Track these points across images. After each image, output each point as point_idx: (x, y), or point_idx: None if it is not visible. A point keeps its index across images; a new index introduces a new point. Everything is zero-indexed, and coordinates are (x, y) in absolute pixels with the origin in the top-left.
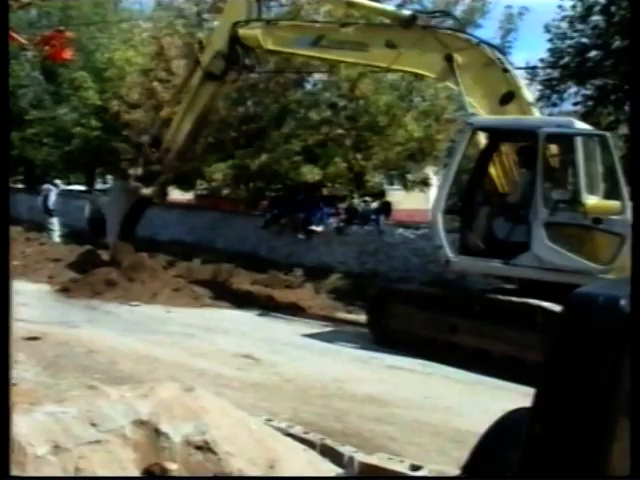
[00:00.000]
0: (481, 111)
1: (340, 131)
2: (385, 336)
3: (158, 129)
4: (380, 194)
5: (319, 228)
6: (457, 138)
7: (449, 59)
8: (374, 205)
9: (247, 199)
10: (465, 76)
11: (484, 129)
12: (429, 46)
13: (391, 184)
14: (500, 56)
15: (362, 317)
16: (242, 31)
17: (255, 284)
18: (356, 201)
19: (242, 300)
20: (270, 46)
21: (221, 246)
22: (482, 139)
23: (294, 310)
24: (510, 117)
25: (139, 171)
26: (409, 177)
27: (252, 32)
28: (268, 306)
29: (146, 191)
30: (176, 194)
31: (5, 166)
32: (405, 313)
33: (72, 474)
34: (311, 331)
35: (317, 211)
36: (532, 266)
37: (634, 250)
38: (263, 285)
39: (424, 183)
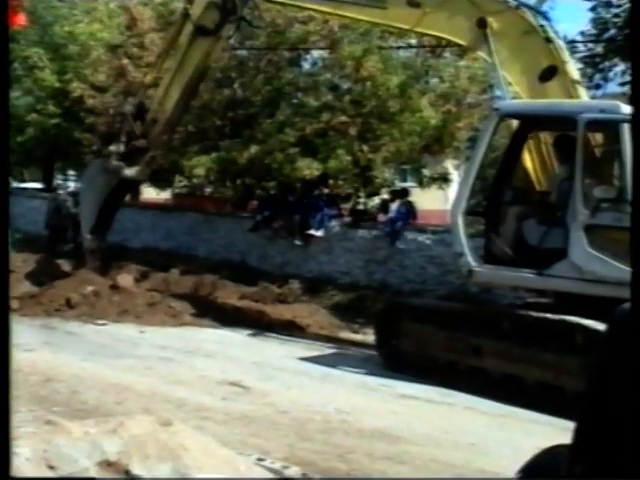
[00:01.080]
0: (517, 89)
1: (343, 118)
2: (397, 360)
3: (142, 97)
4: (403, 193)
5: (319, 233)
6: (482, 126)
7: (482, 24)
8: (394, 207)
9: (234, 198)
10: (500, 45)
11: (513, 115)
12: (459, 7)
13: (404, 180)
14: (543, 23)
15: (369, 337)
16: None
17: (244, 299)
18: (362, 200)
19: (228, 318)
20: None
21: (203, 254)
22: (513, 127)
23: (290, 329)
24: (544, 101)
25: (121, 147)
26: (425, 172)
27: None
28: (259, 324)
29: (129, 171)
30: (150, 193)
31: (5, 166)
32: (420, 332)
33: None
34: (310, 354)
35: (316, 213)
36: (570, 277)
37: (634, 250)
38: (253, 300)
39: (443, 179)
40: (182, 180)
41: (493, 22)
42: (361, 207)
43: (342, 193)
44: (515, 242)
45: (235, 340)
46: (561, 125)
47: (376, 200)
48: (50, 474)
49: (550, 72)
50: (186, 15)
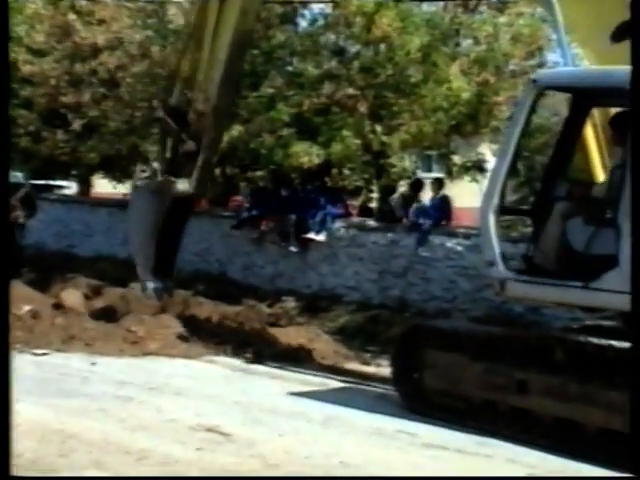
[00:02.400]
0: (583, 51)
1: (350, 91)
2: (419, 398)
3: (178, 93)
4: (438, 183)
5: (319, 237)
6: (517, 102)
7: None
8: (428, 201)
9: (212, 193)
10: None
11: (556, 87)
12: None
13: (428, 170)
14: None
15: (385, 370)
16: None
17: (224, 320)
18: (375, 196)
19: (205, 344)
20: None
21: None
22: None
23: (283, 359)
24: (597, 68)
25: (167, 155)
26: (455, 159)
27: None
28: (244, 353)
29: (182, 185)
30: (104, 186)
31: (5, 166)
32: (449, 364)
33: None
34: (308, 391)
35: (317, 211)
36: (622, 291)
37: (634, 251)
38: (236, 322)
39: (477, 168)
40: (145, 170)
41: None
42: (373, 204)
43: (349, 186)
44: (558, 247)
45: (213, 374)
46: (618, 99)
47: (395, 195)
48: None
49: (625, 29)
50: None
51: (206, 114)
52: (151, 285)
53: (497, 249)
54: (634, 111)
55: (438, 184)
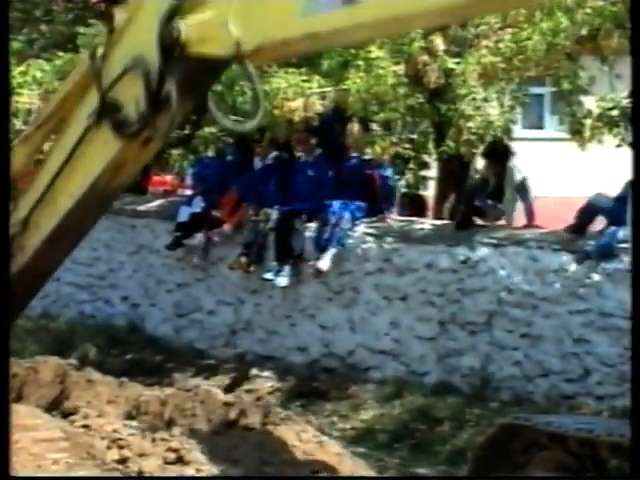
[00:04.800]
0: None
1: None
2: None
3: None
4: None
5: (325, 264)
6: None
7: None
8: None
9: None
10: None
11: None
12: None
13: (536, 125)
14: None
15: None
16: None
17: (137, 415)
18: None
19: (96, 464)
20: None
21: (40, 306)
22: None
23: None
24: None
25: None
26: (586, 103)
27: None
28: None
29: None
30: None
31: (5, 165)
32: None
33: None
34: None
35: (320, 205)
36: None
37: (634, 251)
38: (160, 419)
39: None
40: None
41: None
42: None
43: (383, 154)
44: None
45: None
46: None
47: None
48: None
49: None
50: (95, 66)
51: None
52: None
53: None
54: (634, 111)
55: (499, 152)
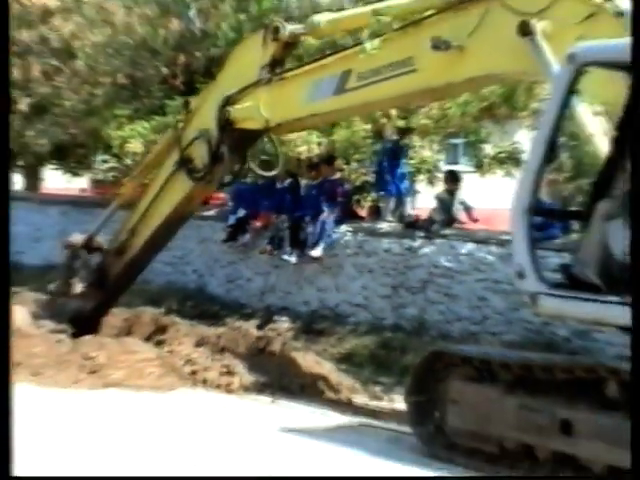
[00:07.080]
0: None
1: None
2: (441, 441)
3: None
4: (451, 177)
5: (316, 252)
6: (555, 80)
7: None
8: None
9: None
10: None
11: (599, 63)
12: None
13: (453, 161)
14: None
15: (399, 405)
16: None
17: (202, 345)
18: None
19: (178, 376)
20: (276, 120)
21: (140, 275)
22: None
23: (275, 392)
24: None
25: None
26: (486, 149)
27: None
28: (227, 384)
29: None
30: (56, 180)
31: (5, 165)
32: (478, 399)
33: None
34: (306, 428)
35: (314, 214)
36: None
37: (634, 252)
38: (217, 346)
39: (514, 159)
40: (107, 160)
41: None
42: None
43: (356, 181)
44: (598, 254)
45: (188, 409)
46: None
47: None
48: None
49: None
50: (177, 134)
51: (121, 259)
52: None
53: (528, 257)
54: (634, 111)
55: (451, 178)
